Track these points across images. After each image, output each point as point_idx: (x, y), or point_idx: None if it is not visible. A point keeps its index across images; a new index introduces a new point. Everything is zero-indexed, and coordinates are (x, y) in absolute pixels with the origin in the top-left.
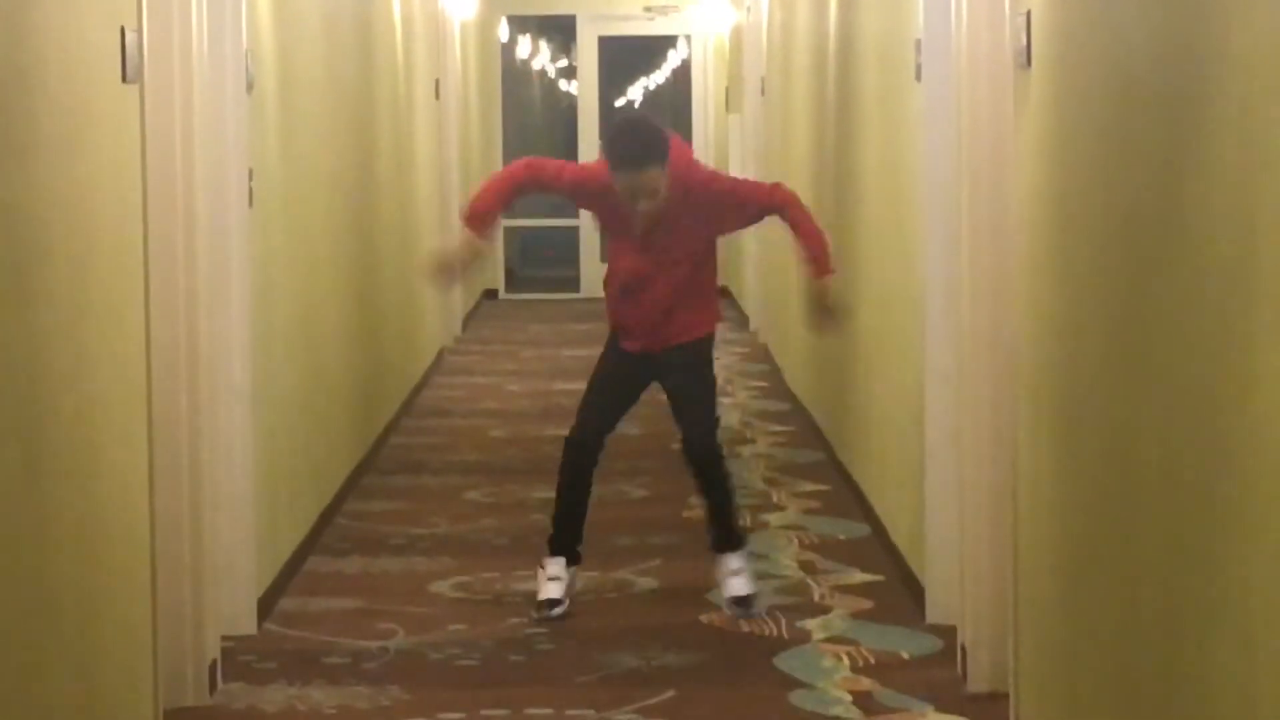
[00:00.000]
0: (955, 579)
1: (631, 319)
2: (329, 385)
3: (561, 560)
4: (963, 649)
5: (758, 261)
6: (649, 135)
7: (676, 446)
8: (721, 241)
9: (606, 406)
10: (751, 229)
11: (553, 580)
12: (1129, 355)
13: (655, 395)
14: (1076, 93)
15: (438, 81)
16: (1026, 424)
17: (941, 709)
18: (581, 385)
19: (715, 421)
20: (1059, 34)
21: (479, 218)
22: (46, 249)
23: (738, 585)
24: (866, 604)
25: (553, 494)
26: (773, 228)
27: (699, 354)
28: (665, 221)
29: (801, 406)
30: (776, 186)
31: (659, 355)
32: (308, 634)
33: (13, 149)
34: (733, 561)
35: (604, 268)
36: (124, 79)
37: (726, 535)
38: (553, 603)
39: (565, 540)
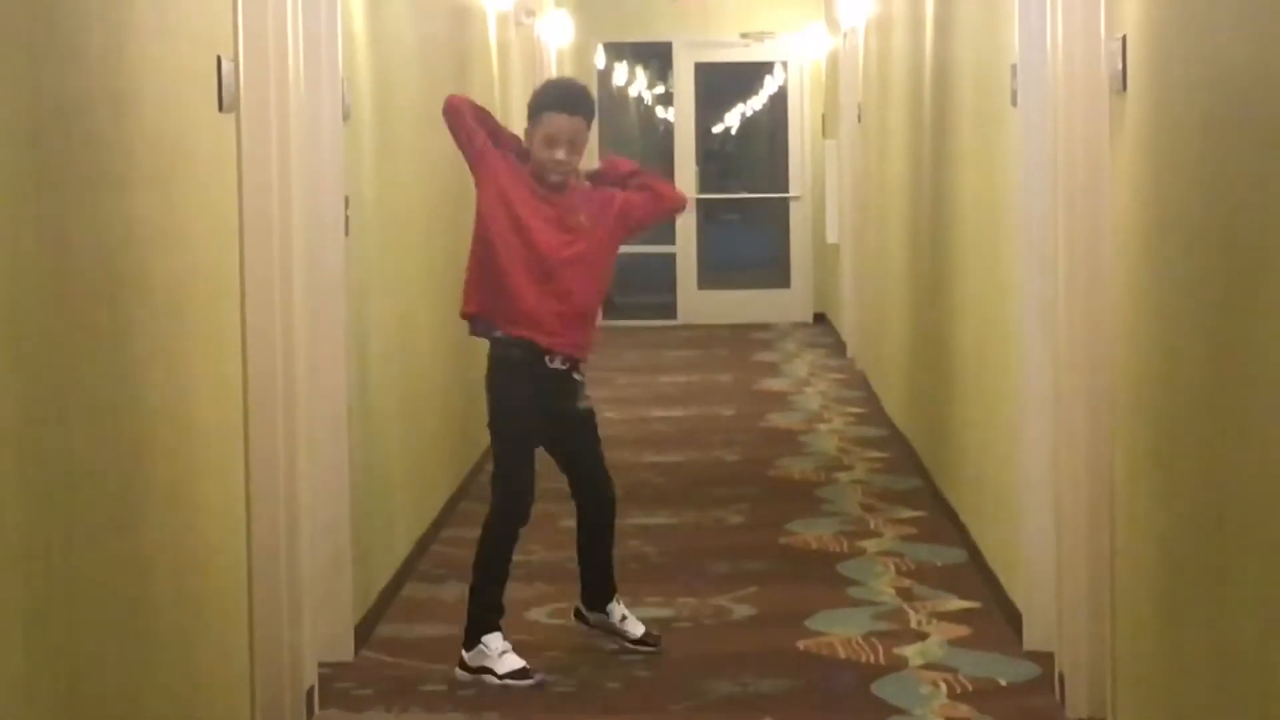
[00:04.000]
0: (1053, 605)
1: (549, 310)
2: (425, 413)
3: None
4: (1060, 676)
5: (855, 289)
6: (585, 91)
7: (773, 474)
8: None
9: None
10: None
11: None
12: (1226, 383)
13: (750, 423)
14: (1172, 118)
15: None
16: (1123, 451)
17: None
18: (679, 411)
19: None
20: (1155, 59)
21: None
22: (143, 279)
23: (637, 625)
24: (964, 630)
25: (650, 520)
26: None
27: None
28: (579, 197)
29: (899, 433)
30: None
31: (565, 379)
32: (405, 660)
33: (110, 179)
34: (619, 608)
35: (703, 295)
36: (220, 108)
37: (609, 582)
38: (525, 671)
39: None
